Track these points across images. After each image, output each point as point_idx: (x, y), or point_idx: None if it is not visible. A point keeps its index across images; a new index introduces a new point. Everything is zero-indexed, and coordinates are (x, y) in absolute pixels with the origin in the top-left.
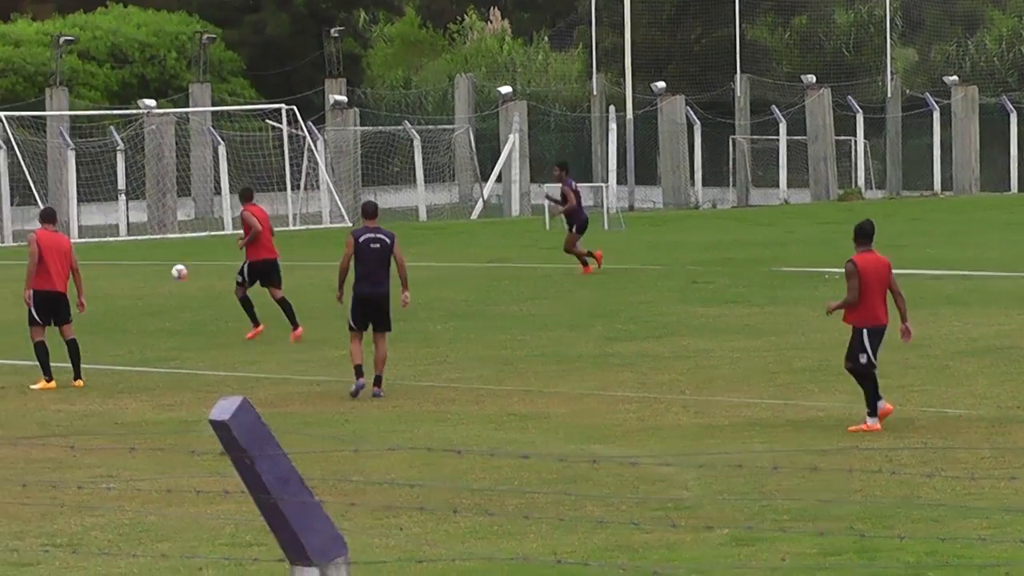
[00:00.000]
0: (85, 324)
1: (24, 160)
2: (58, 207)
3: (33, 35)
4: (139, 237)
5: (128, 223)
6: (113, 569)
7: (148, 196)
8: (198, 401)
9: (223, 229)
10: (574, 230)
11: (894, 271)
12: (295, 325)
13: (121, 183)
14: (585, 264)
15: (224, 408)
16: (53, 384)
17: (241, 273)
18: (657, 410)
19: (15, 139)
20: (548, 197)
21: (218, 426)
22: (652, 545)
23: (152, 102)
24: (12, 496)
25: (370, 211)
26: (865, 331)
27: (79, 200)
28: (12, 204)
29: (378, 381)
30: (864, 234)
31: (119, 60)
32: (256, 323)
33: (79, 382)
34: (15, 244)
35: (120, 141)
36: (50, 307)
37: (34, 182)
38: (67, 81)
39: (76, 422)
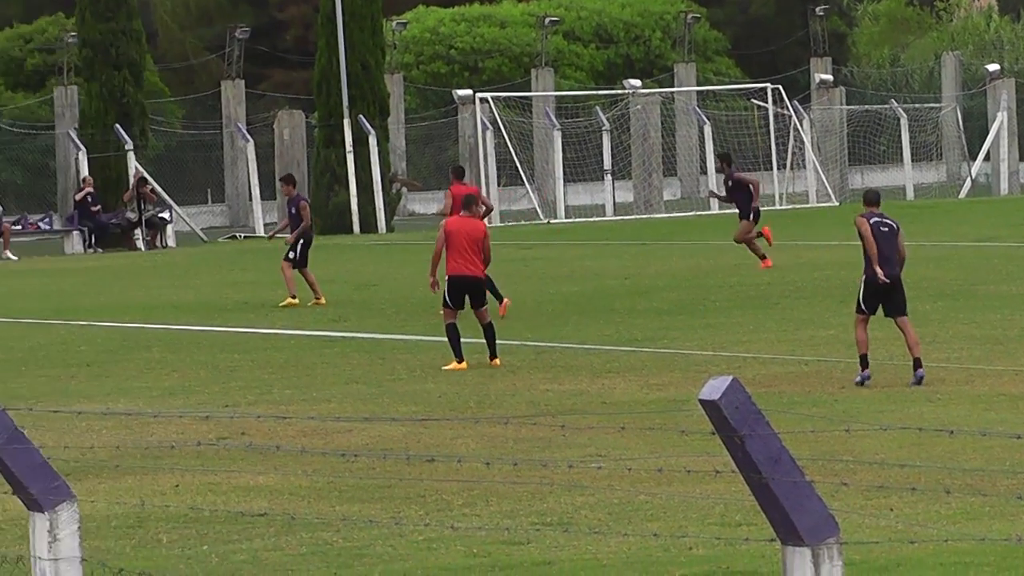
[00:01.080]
0: (573, 304)
1: (511, 141)
2: (544, 187)
3: (519, 16)
4: (625, 217)
5: (614, 203)
6: (603, 548)
7: (634, 176)
8: (686, 381)
9: (709, 209)
10: (751, 218)
11: None
12: (500, 299)
13: (607, 163)
14: (764, 258)
15: (714, 388)
16: (464, 365)
17: None
18: None
19: (501, 120)
20: (712, 193)
21: (708, 406)
22: None
23: (637, 82)
24: (503, 475)
25: (873, 199)
26: None
27: (565, 180)
28: (499, 184)
29: (918, 363)
30: None
31: (604, 40)
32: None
33: (496, 361)
34: (502, 225)
35: (605, 121)
36: (463, 291)
37: (520, 163)
38: (552, 62)
39: (565, 401)
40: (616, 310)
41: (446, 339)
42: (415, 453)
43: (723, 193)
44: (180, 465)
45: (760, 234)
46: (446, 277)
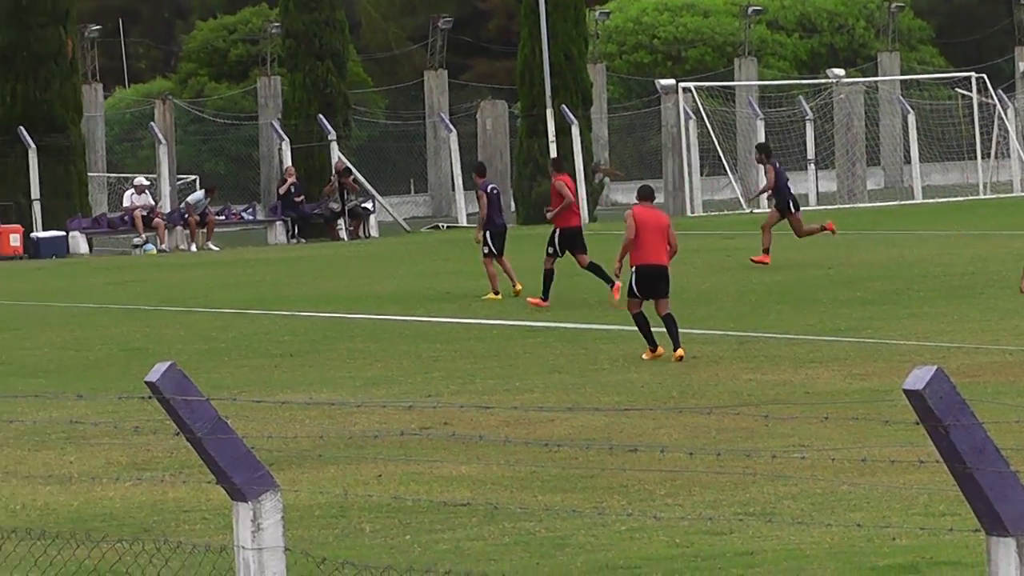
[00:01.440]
0: (776, 294)
1: (713, 130)
2: (747, 177)
3: (722, 5)
4: (829, 207)
5: (818, 192)
6: (806, 538)
7: (837, 165)
8: (890, 371)
9: (913, 198)
10: (791, 207)
11: None
12: (611, 283)
13: (810, 152)
14: (765, 252)
15: (918, 377)
16: (660, 351)
17: (552, 244)
18: None
19: (704, 109)
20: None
21: (912, 395)
22: None
23: (841, 71)
24: (706, 465)
25: None
26: None
27: None
28: (702, 174)
29: None
30: None
31: (808, 30)
32: (546, 298)
33: (680, 351)
34: (705, 214)
35: (809, 111)
36: (650, 281)
37: (723, 152)
38: (756, 51)
39: (768, 391)
40: (819, 300)
41: (636, 329)
42: (618, 443)
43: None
44: (383, 455)
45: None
46: (632, 268)
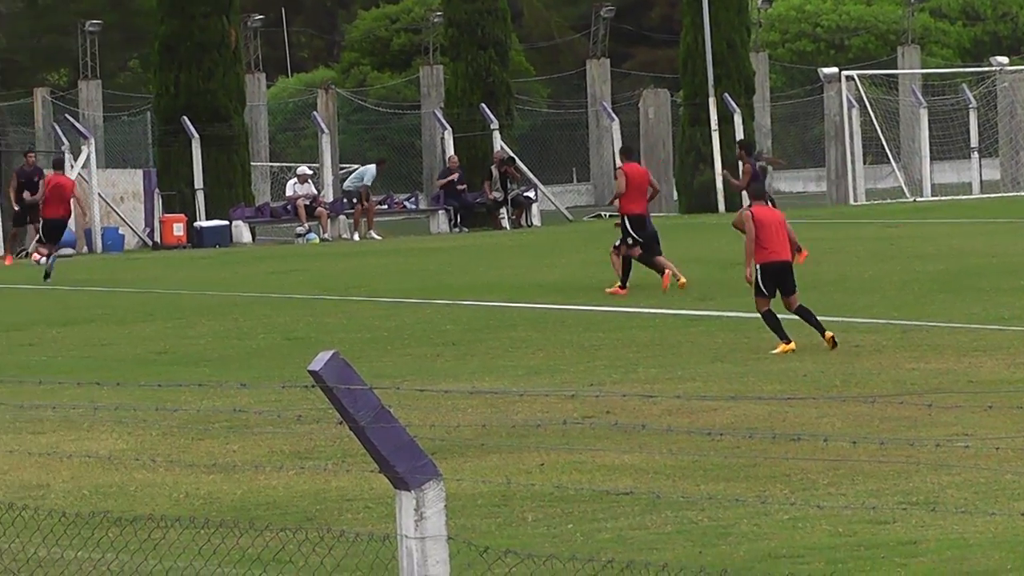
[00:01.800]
0: (939, 283)
1: (876, 118)
2: (910, 165)
3: None
4: (992, 195)
5: (981, 181)
6: (969, 527)
7: (1001, 154)
8: None
9: None
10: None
11: None
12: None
13: (974, 141)
14: None
15: None
16: (792, 345)
17: (627, 234)
18: None
19: (867, 97)
20: (726, 175)
21: None
22: None
23: (1004, 59)
24: (869, 454)
25: None
26: None
27: (931, 158)
28: (865, 163)
29: None
30: None
31: (971, 18)
32: (624, 285)
33: (829, 333)
34: (868, 203)
35: (972, 99)
36: (776, 277)
37: (886, 140)
38: (919, 39)
39: (931, 380)
40: (983, 288)
41: (768, 326)
42: (781, 432)
43: (738, 179)
44: (545, 444)
45: None
46: (758, 266)
